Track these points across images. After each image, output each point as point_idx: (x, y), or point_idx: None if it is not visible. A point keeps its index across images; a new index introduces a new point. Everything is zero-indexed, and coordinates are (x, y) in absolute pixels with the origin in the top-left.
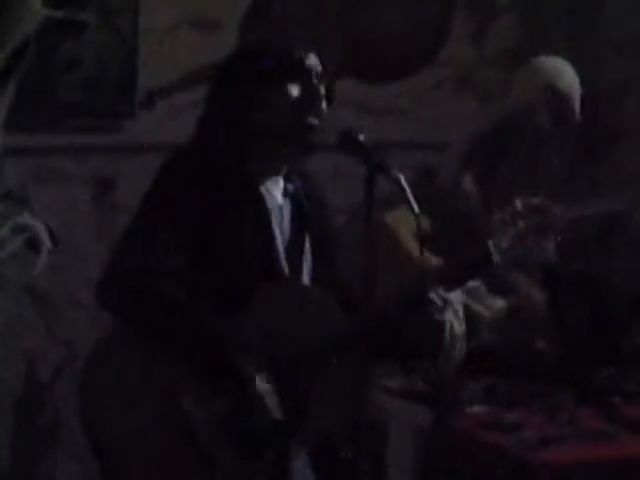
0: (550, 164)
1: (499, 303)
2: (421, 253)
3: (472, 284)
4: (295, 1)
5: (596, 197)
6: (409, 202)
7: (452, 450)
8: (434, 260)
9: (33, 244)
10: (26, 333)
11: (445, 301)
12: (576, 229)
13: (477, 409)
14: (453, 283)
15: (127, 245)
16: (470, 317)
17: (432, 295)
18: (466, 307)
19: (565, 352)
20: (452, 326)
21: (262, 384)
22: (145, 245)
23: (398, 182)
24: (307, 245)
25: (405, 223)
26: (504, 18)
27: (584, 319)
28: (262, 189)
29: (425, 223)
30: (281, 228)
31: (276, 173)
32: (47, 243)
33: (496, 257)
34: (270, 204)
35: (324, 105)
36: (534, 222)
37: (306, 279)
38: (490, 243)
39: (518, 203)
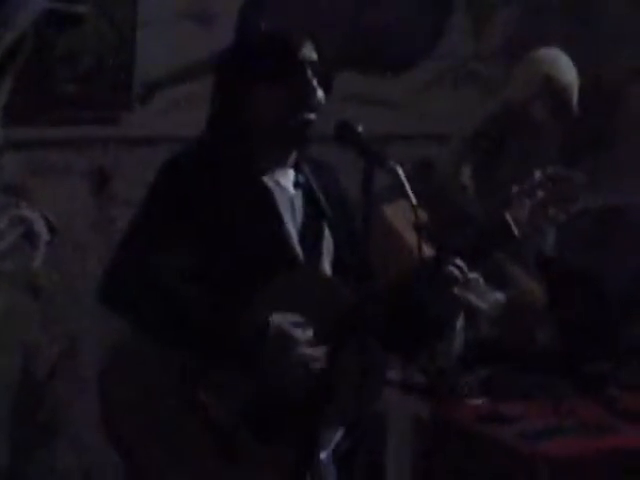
0: (548, 157)
1: (498, 296)
2: (419, 244)
3: (471, 276)
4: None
5: (595, 191)
6: (407, 194)
7: (450, 442)
8: (430, 251)
9: (31, 237)
10: (24, 327)
11: (463, 272)
12: (575, 223)
13: (475, 401)
14: (472, 257)
15: (132, 242)
16: (468, 310)
17: (451, 268)
18: (464, 299)
19: (564, 344)
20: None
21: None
22: (150, 241)
23: (396, 174)
24: (326, 234)
25: (403, 215)
26: (503, 11)
27: (583, 312)
28: (269, 181)
29: (422, 215)
30: (294, 219)
31: (283, 164)
32: (45, 235)
33: (515, 229)
34: (279, 195)
35: (320, 98)
36: (554, 192)
37: (326, 267)
38: (508, 217)
39: (537, 174)
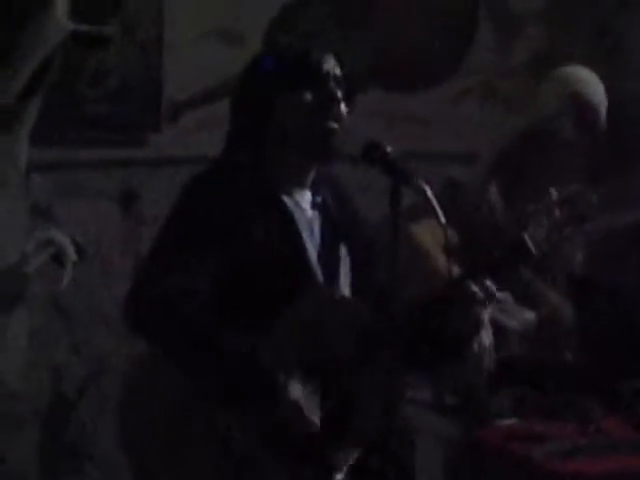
0: (576, 175)
1: (528, 315)
2: (449, 263)
3: (500, 296)
4: (320, 14)
5: (624, 209)
6: (435, 213)
7: (481, 463)
8: (459, 272)
9: (59, 258)
10: (53, 348)
11: (488, 292)
12: (604, 241)
13: (507, 421)
14: (494, 276)
15: (153, 265)
16: (498, 329)
17: (474, 287)
18: (494, 319)
19: (593, 363)
20: (480, 337)
21: (299, 396)
22: (171, 265)
23: (424, 193)
24: (342, 254)
25: (431, 234)
26: (530, 28)
27: (612, 331)
28: (289, 202)
29: (452, 235)
30: (312, 240)
31: (302, 185)
32: (73, 257)
33: (533, 248)
34: (299, 217)
35: (343, 109)
36: (570, 211)
37: (345, 288)
38: (526, 236)
39: (553, 192)
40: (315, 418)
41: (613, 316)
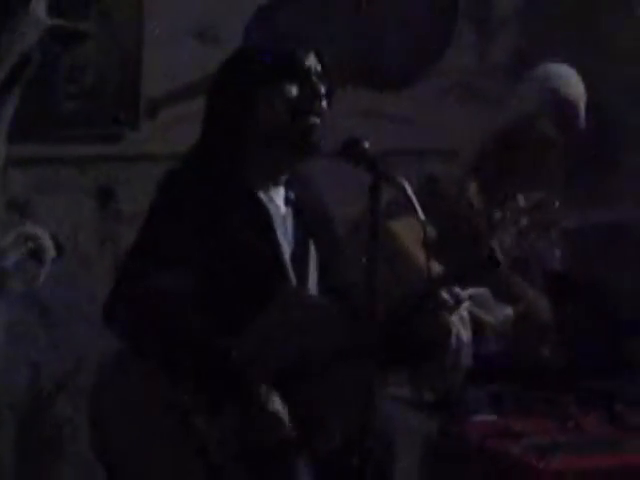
0: (555, 173)
1: (506, 311)
2: (427, 260)
3: (478, 291)
4: (299, 14)
5: (602, 207)
6: (415, 210)
7: (459, 459)
8: (438, 267)
9: (37, 254)
10: (30, 344)
11: (457, 298)
12: (581, 238)
13: (484, 417)
14: (458, 285)
15: (132, 265)
16: (476, 325)
17: (443, 294)
18: (472, 315)
19: (570, 360)
20: (459, 333)
21: (272, 399)
22: (149, 264)
23: (404, 190)
24: (312, 253)
25: (410, 230)
26: (507, 27)
27: (589, 327)
28: (264, 198)
29: (430, 230)
30: (286, 237)
31: (276, 182)
32: (51, 252)
33: (500, 256)
34: (274, 213)
35: (325, 105)
36: (536, 218)
37: (312, 287)
38: (494, 243)
39: (520, 199)
40: (285, 418)
41: (590, 313)
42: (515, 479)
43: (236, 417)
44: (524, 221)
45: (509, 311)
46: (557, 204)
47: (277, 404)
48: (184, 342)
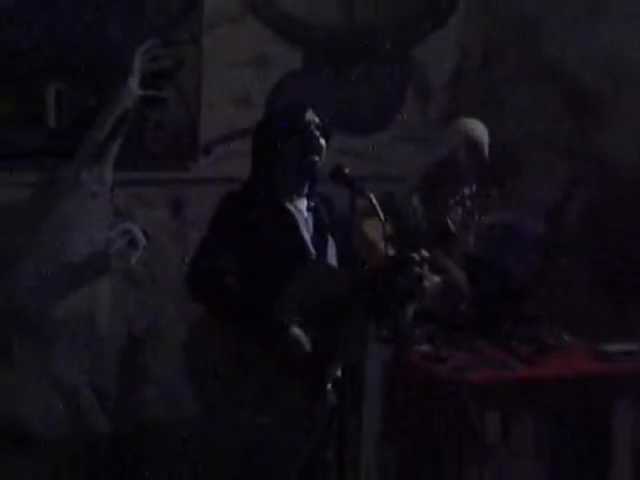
0: (469, 189)
1: (436, 279)
2: (385, 245)
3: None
4: (303, 87)
5: (503, 211)
6: (378, 214)
7: (406, 377)
8: (392, 250)
9: (132, 244)
10: (126, 305)
11: (423, 258)
12: (489, 231)
13: (422, 348)
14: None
15: (201, 255)
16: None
17: (413, 254)
18: None
19: (479, 312)
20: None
21: (299, 335)
22: (213, 254)
23: (370, 200)
24: (330, 241)
25: (375, 228)
26: (440, 94)
27: (493, 291)
28: (291, 207)
29: (388, 228)
30: (308, 231)
31: (300, 195)
32: (142, 243)
33: (452, 227)
34: (299, 218)
35: (323, 145)
36: (477, 202)
37: (333, 261)
38: (449, 220)
39: (466, 190)
40: (308, 346)
41: (493, 283)
42: (442, 389)
43: (274, 344)
44: (468, 203)
45: (438, 279)
46: (495, 193)
47: (302, 338)
48: (239, 301)
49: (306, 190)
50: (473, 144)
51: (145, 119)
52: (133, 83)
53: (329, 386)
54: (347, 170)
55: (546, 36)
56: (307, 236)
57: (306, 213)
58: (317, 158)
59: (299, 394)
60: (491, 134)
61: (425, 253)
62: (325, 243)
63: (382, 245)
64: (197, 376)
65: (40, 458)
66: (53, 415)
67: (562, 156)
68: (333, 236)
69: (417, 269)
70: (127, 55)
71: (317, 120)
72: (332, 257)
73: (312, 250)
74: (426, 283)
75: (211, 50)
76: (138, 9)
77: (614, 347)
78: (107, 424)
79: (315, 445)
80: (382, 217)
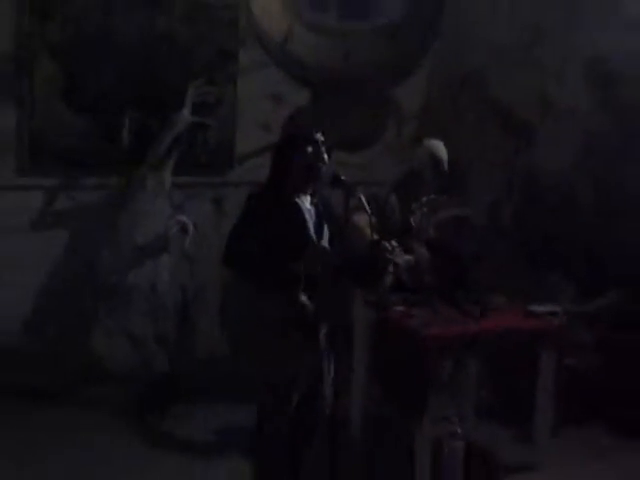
0: (432, 191)
1: (407, 258)
2: (371, 233)
3: (396, 246)
4: (309, 117)
5: (455, 207)
6: (366, 210)
7: (386, 330)
8: (377, 236)
9: (184, 230)
10: (181, 275)
11: (393, 246)
12: (444, 222)
13: (398, 308)
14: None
15: (233, 237)
16: (394, 264)
17: (385, 243)
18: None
19: (439, 282)
20: (394, 262)
21: (303, 297)
22: (242, 237)
23: (360, 199)
24: (326, 229)
25: (363, 220)
26: (412, 121)
27: (448, 267)
28: (299, 202)
29: (373, 219)
30: (311, 220)
31: (305, 193)
32: (191, 229)
33: (414, 224)
34: (304, 210)
35: (326, 158)
36: (431, 206)
37: (325, 243)
38: (412, 219)
39: (424, 199)
40: (312, 309)
41: (450, 261)
42: (411, 338)
43: (288, 299)
44: (425, 207)
45: (408, 258)
46: (444, 199)
47: (306, 300)
48: (263, 268)
49: (310, 190)
50: (436, 159)
51: (194, 139)
52: (186, 112)
53: (322, 334)
54: (343, 177)
55: (490, 80)
56: (310, 224)
57: (309, 207)
58: (321, 165)
59: (300, 338)
60: (449, 152)
61: (394, 242)
62: (322, 230)
63: (369, 231)
64: (228, 326)
65: (119, 390)
66: (128, 358)
67: (499, 168)
68: (327, 225)
69: (388, 254)
70: (182, 91)
71: (322, 139)
72: (326, 241)
73: (313, 235)
74: (399, 260)
75: (243, 89)
76: (190, 58)
77: (540, 308)
78: (166, 364)
79: (315, 377)
80: (368, 211)
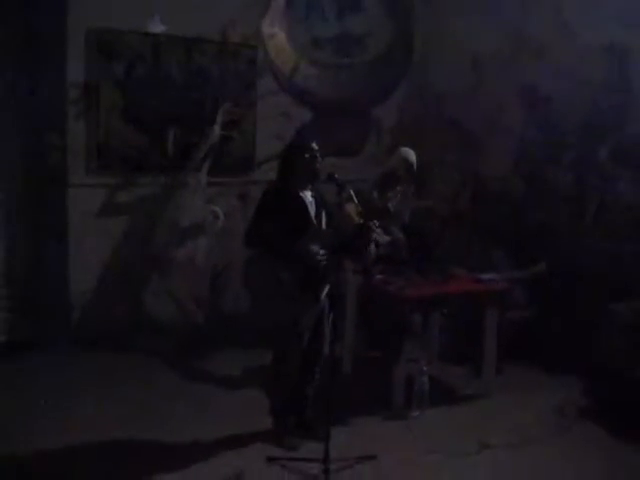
0: (404, 186)
1: (386, 237)
2: (358, 219)
3: (377, 228)
4: (312, 131)
5: (423, 199)
6: (354, 201)
7: (371, 294)
8: (361, 221)
9: (216, 217)
10: (214, 252)
11: (375, 225)
12: (416, 211)
13: (379, 276)
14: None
15: (253, 223)
16: (377, 242)
17: (371, 224)
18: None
19: (412, 257)
20: (376, 240)
21: (316, 248)
22: (259, 222)
23: (349, 193)
24: (323, 215)
25: (353, 208)
26: (390, 133)
27: (419, 244)
28: (302, 195)
29: (359, 208)
30: (312, 210)
31: (307, 188)
32: (221, 216)
33: (391, 208)
34: (307, 201)
35: (321, 162)
36: (404, 195)
37: (324, 226)
38: (389, 205)
39: (398, 188)
40: (322, 259)
41: (420, 242)
42: (391, 300)
43: (297, 268)
44: (399, 196)
45: (387, 238)
46: (412, 189)
47: (318, 251)
48: (277, 244)
49: (310, 186)
50: (408, 164)
51: (224, 148)
52: (217, 128)
53: (323, 295)
54: (336, 175)
55: (448, 103)
56: (311, 213)
57: (310, 199)
58: (319, 166)
59: (308, 298)
60: (417, 158)
61: (377, 223)
62: (321, 216)
63: (356, 218)
64: (250, 288)
65: (165, 339)
66: (171, 314)
67: (456, 170)
68: (325, 213)
69: (372, 233)
70: (214, 112)
71: (317, 148)
72: (324, 225)
73: (314, 221)
74: (380, 239)
75: (261, 110)
76: (220, 87)
77: (485, 276)
78: (201, 317)
79: (317, 333)
80: (356, 202)
